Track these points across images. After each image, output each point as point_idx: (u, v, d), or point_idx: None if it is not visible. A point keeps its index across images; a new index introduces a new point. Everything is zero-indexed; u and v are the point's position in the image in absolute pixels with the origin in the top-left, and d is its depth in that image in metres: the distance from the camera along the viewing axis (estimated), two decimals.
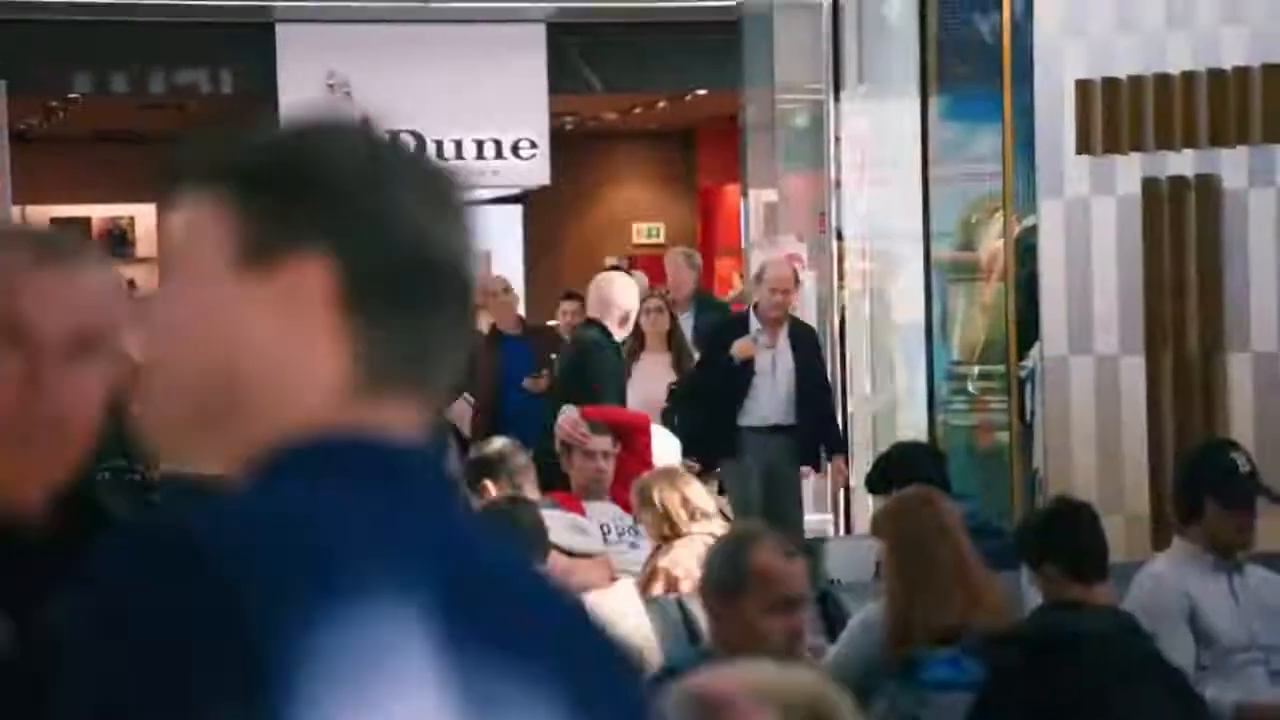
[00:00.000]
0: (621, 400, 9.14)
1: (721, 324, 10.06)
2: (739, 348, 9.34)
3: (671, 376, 10.00)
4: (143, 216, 18.53)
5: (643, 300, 9.88)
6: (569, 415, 7.87)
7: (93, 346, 2.02)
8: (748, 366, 9.37)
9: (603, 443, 7.63)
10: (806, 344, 9.61)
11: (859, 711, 2.86)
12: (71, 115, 15.70)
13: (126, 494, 9.23)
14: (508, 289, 11.53)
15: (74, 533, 1.97)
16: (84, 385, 2.01)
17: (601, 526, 7.26)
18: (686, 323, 10.92)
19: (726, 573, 3.78)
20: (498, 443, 7.36)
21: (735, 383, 9.37)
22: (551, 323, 12.32)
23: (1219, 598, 5.42)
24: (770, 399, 9.41)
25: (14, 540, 1.96)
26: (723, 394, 9.34)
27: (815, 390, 9.57)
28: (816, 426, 9.50)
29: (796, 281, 9.82)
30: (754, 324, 9.45)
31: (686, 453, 8.84)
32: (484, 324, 11.02)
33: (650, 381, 9.90)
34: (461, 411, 10.59)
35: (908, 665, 4.56)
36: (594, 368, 8.98)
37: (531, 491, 7.10)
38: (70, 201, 18.00)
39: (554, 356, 9.93)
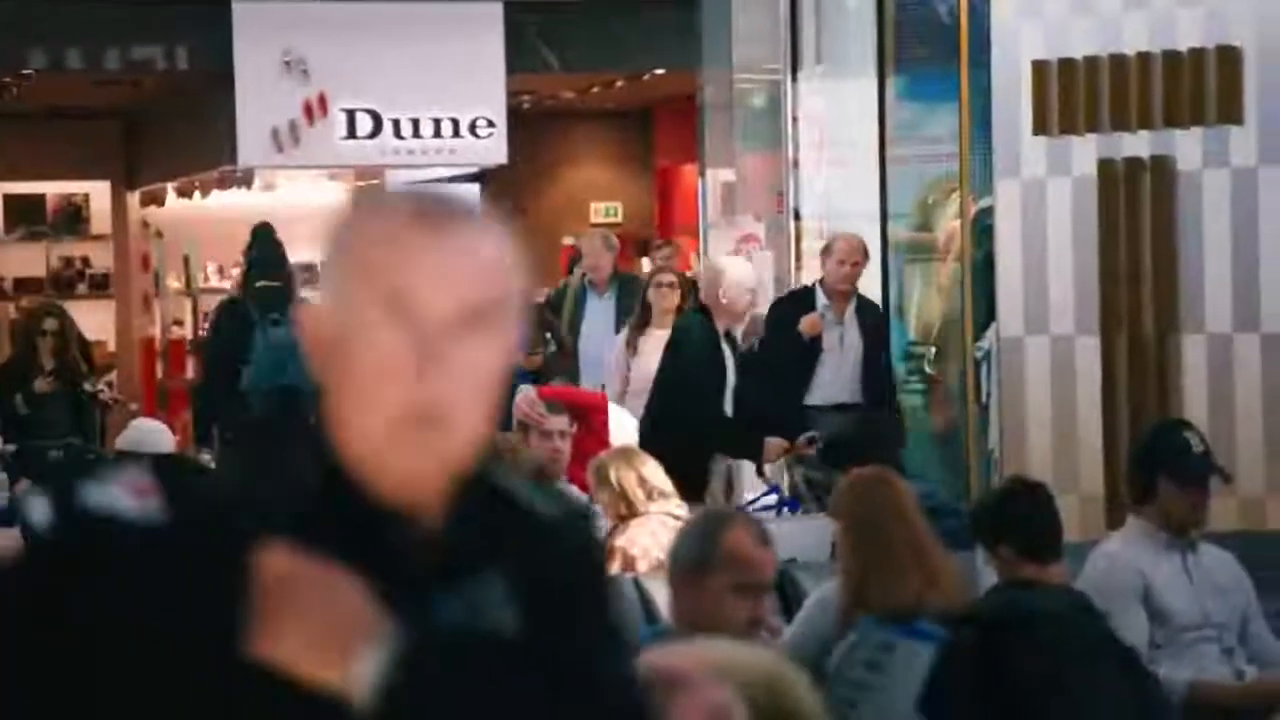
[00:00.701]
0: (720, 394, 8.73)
1: (784, 298, 9.60)
2: (807, 323, 8.97)
3: None
4: (97, 194, 18.43)
5: (653, 274, 9.78)
6: (526, 395, 7.88)
7: (482, 320, 1.86)
8: (815, 343, 9.06)
9: (560, 422, 7.64)
10: (873, 321, 9.33)
11: (815, 689, 2.87)
12: (26, 91, 15.60)
13: (81, 470, 9.21)
14: None
15: (477, 518, 1.86)
16: (476, 362, 1.84)
17: None
18: (607, 304, 11.09)
19: (696, 550, 3.78)
20: None
21: (802, 360, 9.01)
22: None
23: (1173, 576, 5.45)
24: (836, 377, 9.11)
25: (417, 529, 1.82)
26: (789, 371, 8.95)
27: (878, 371, 9.27)
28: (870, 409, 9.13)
29: (865, 254, 9.38)
30: (820, 299, 9.15)
31: (756, 430, 8.63)
32: None
33: (655, 358, 9.44)
34: None
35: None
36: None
37: None
38: (24, 178, 17.89)
39: (548, 335, 10.23)
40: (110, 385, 11.47)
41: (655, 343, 9.53)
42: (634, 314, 10.12)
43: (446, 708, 1.69)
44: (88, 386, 10.97)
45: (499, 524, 1.88)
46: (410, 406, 1.81)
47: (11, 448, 9.92)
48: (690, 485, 7.40)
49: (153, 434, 8.09)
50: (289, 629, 1.71)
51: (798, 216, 10.87)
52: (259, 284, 10.48)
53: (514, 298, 1.90)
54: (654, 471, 7.03)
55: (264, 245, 10.78)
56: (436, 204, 1.93)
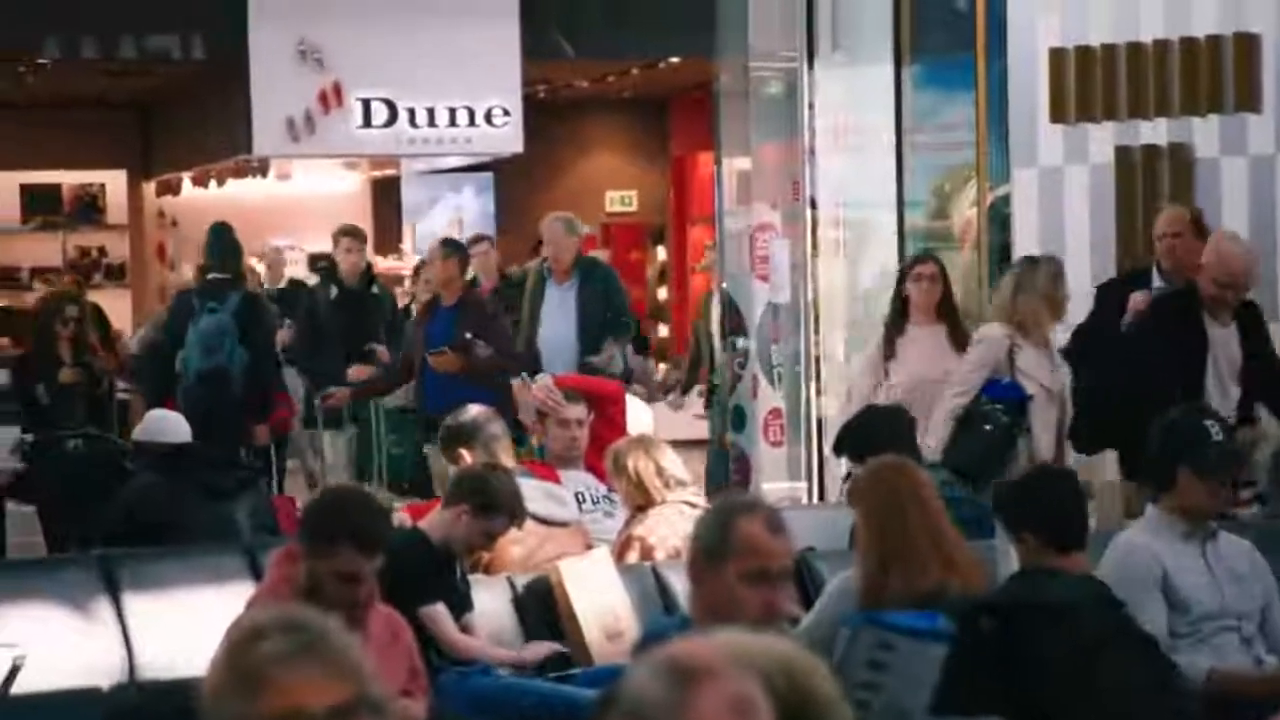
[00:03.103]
0: None
1: (1113, 282, 8.63)
2: (1137, 300, 8.12)
3: (950, 352, 8.49)
4: (113, 183, 18.45)
5: (911, 265, 8.89)
6: (544, 383, 7.88)
7: None
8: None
9: (577, 411, 7.63)
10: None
11: (834, 677, 2.87)
12: (41, 81, 15.62)
13: (100, 462, 9.23)
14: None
15: None
16: None
17: (576, 495, 7.27)
18: (567, 294, 10.57)
19: (712, 539, 3.78)
20: (472, 410, 7.36)
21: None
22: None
23: (1192, 565, 5.44)
24: None
25: None
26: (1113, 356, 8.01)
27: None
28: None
29: (1192, 226, 8.24)
30: (1156, 281, 8.30)
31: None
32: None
33: (924, 360, 8.54)
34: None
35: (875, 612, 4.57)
36: None
37: (507, 459, 7.10)
38: (41, 168, 17.92)
39: (469, 335, 9.93)
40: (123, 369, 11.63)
41: (916, 343, 8.59)
42: (887, 312, 8.86)
43: None
44: (104, 384, 11.17)
45: None
46: None
47: (29, 437, 9.94)
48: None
49: (170, 424, 8.09)
50: None
51: (814, 205, 10.85)
52: (209, 276, 11.06)
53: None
54: (672, 461, 7.03)
55: (220, 242, 11.27)
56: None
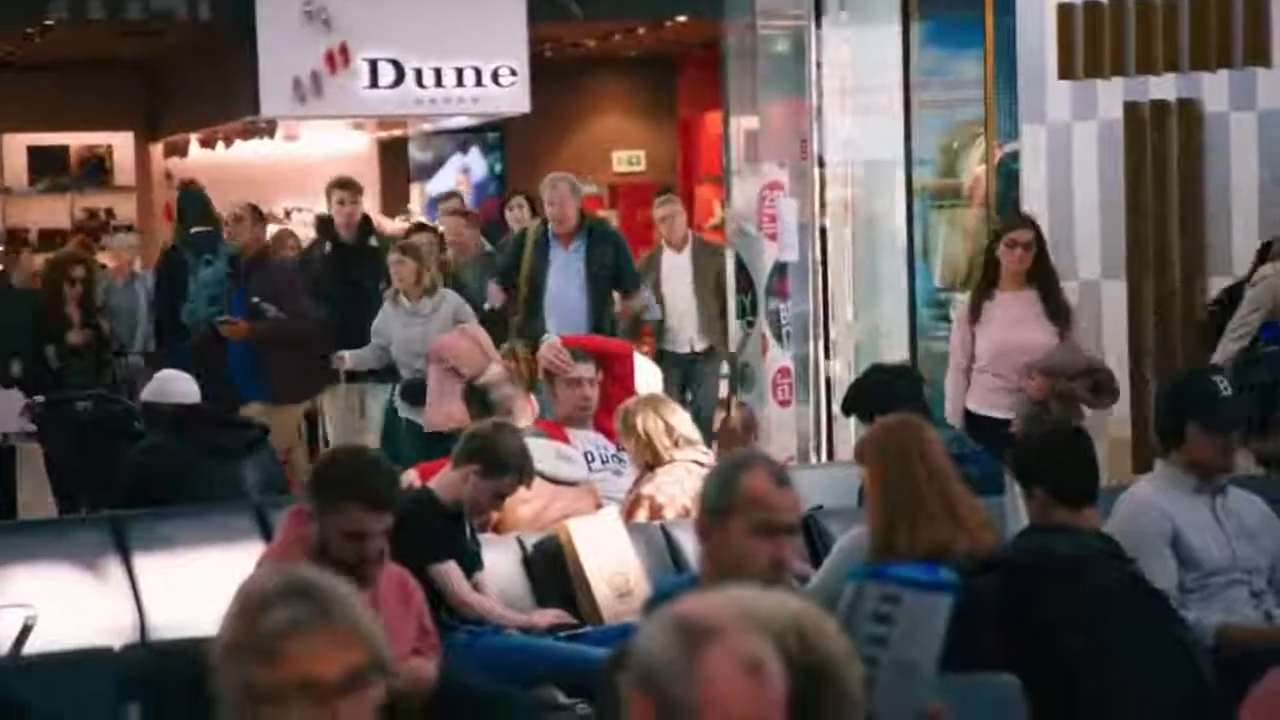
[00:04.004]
0: None
1: None
2: None
3: (1038, 320, 8.06)
4: (120, 145, 18.44)
5: (1004, 229, 8.29)
6: (551, 343, 7.88)
7: None
8: None
9: (586, 370, 7.63)
10: None
11: (843, 636, 2.87)
12: (48, 42, 15.59)
13: (109, 423, 9.24)
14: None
15: None
16: None
17: (586, 454, 7.27)
18: (574, 254, 10.26)
19: (717, 495, 3.78)
20: (493, 369, 7.41)
21: None
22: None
23: (1201, 521, 5.44)
24: None
25: None
26: None
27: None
28: None
29: None
30: None
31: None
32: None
33: (1010, 326, 8.10)
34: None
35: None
36: None
37: (523, 419, 7.12)
38: (48, 129, 17.91)
39: (255, 300, 10.03)
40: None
41: (1005, 309, 8.16)
42: (978, 276, 8.45)
43: None
44: (113, 345, 11.36)
45: None
46: None
47: (39, 399, 9.96)
48: None
49: (178, 384, 8.09)
50: None
51: (822, 163, 10.83)
52: (192, 230, 11.49)
53: None
54: (682, 419, 7.03)
55: (193, 200, 11.87)
56: None
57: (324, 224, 11.50)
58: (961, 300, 8.79)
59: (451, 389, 8.69)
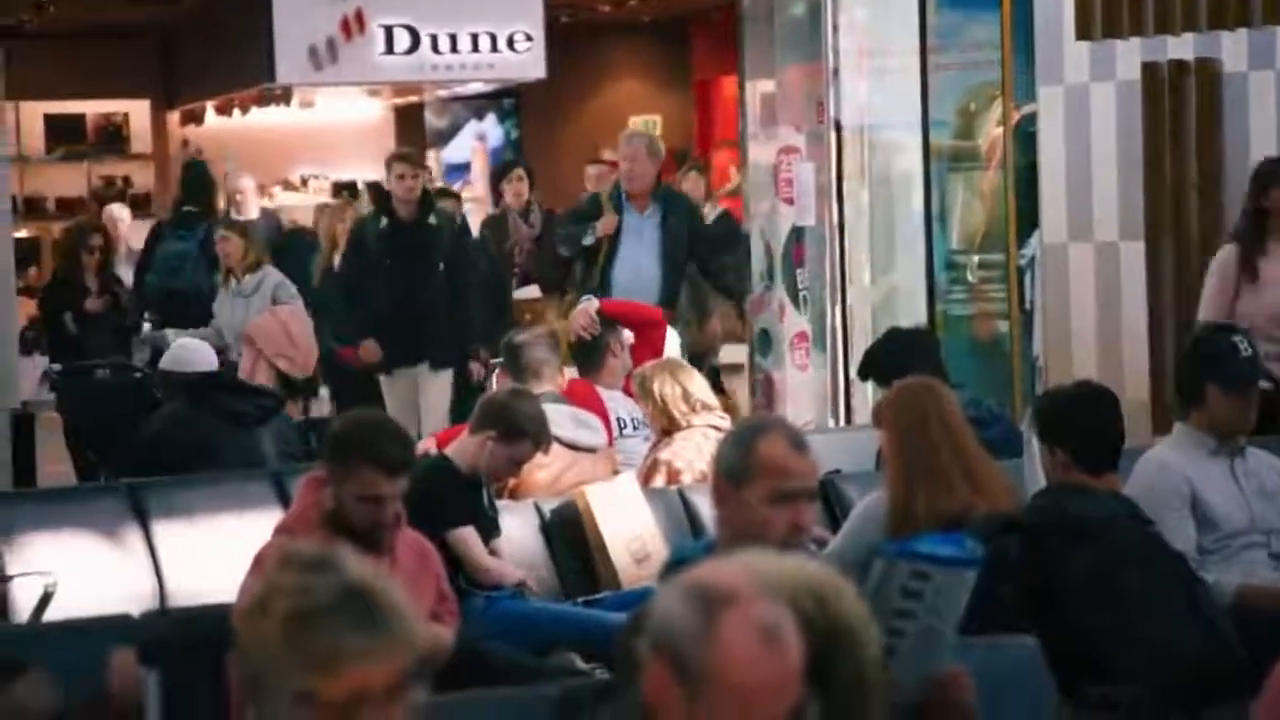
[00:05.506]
0: None
1: None
2: None
3: None
4: (137, 113, 18.43)
5: (1270, 169, 7.49)
6: (584, 308, 7.86)
7: None
8: None
9: (613, 336, 7.64)
10: None
11: (861, 600, 2.87)
12: (64, 10, 15.58)
13: (127, 391, 9.26)
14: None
15: None
16: None
17: (618, 420, 7.28)
18: (649, 222, 9.53)
19: (733, 460, 3.76)
20: (524, 334, 7.42)
21: None
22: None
23: (1220, 482, 5.43)
24: None
25: None
26: None
27: None
28: None
29: None
30: None
31: None
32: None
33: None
34: None
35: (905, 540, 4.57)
36: None
37: (550, 382, 7.11)
38: (64, 98, 17.91)
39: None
40: None
41: None
42: (1244, 230, 7.51)
43: None
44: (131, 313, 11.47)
45: None
46: None
47: (57, 367, 9.97)
48: None
49: (197, 352, 8.10)
50: None
51: (838, 127, 10.79)
52: (184, 209, 11.58)
53: None
54: (699, 384, 7.02)
55: (193, 180, 11.72)
56: None
57: (381, 197, 10.32)
58: (1219, 257, 7.63)
59: (264, 371, 8.94)
